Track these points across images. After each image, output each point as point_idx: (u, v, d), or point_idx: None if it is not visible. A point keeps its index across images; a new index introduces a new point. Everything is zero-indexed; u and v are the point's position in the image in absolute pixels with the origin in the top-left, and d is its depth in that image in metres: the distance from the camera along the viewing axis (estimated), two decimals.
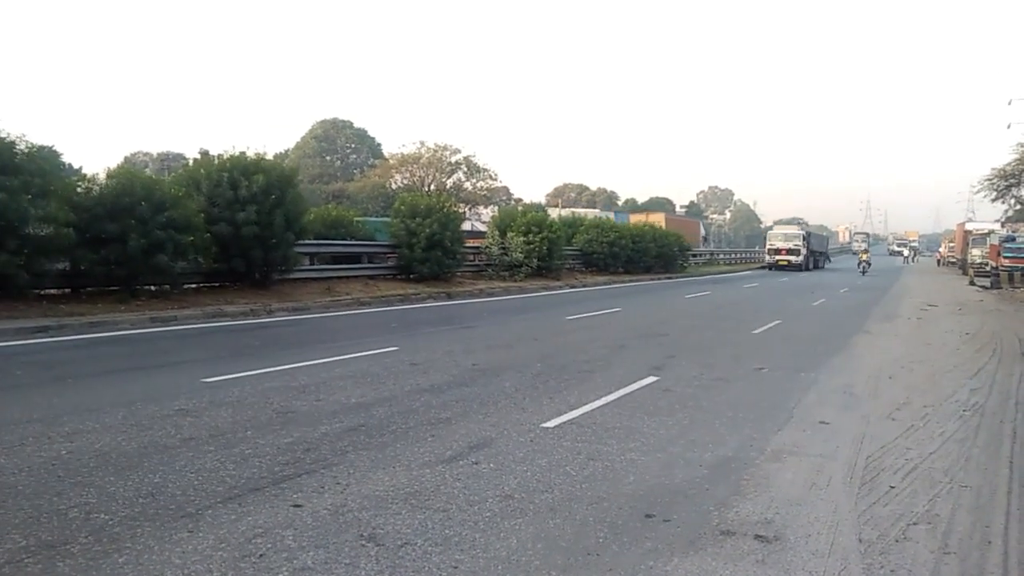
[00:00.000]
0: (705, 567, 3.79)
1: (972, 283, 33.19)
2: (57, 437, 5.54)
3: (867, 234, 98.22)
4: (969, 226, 48.05)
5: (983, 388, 8.94)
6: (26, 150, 12.52)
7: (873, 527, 4.41)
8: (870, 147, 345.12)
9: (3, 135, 12.31)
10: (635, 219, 52.25)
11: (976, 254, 37.33)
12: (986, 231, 38.71)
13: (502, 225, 27.29)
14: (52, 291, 13.62)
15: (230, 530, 3.98)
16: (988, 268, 32.53)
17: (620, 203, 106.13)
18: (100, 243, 13.25)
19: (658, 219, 54.31)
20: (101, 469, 4.87)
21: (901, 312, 19.32)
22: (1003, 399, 8.33)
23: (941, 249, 66.10)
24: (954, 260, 54.31)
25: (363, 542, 3.90)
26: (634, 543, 4.05)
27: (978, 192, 45.63)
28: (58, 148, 13.42)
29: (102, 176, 14.29)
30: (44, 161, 12.75)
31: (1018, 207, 44.45)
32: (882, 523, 4.48)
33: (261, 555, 3.69)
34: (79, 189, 13.68)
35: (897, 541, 4.22)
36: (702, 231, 78.22)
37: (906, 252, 75.82)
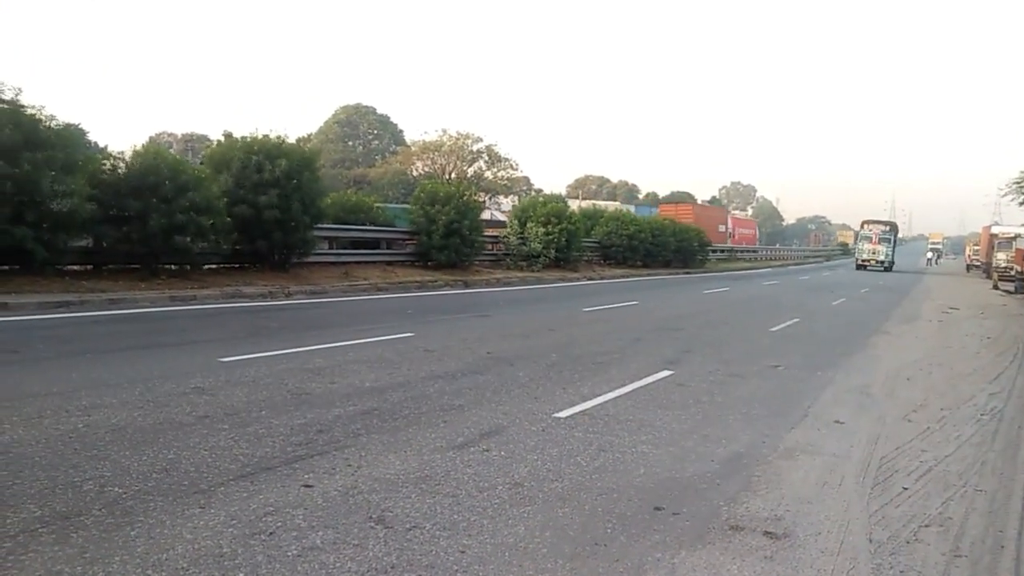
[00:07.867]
0: (713, 561, 3.78)
1: (996, 287, 32.74)
2: (74, 411, 5.62)
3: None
4: (995, 229, 47.29)
5: (1002, 393, 8.83)
6: (52, 126, 12.62)
7: (884, 528, 4.38)
8: (896, 146, 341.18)
9: (30, 111, 12.41)
10: (664, 210, 52.00)
11: (1001, 258, 36.72)
12: (1012, 235, 38.05)
13: (522, 215, 27.22)
14: (75, 267, 13.78)
15: (241, 507, 4.02)
16: (1013, 272, 32.05)
17: (641, 196, 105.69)
18: (122, 220, 13.39)
19: (686, 210, 53.30)
20: (116, 443, 4.93)
21: (922, 314, 19.11)
22: (1022, 404, 8.23)
23: (967, 252, 64.98)
24: (978, 263, 53.49)
25: (372, 524, 3.93)
26: (642, 535, 4.05)
27: (1005, 195, 44.84)
28: (85, 127, 13.46)
29: (128, 154, 14.40)
30: (70, 136, 12.83)
31: None
32: (893, 524, 4.44)
33: (271, 533, 3.73)
34: (105, 166, 13.80)
35: (908, 542, 4.18)
36: (729, 225, 69.07)
37: (929, 254, 74.52)
